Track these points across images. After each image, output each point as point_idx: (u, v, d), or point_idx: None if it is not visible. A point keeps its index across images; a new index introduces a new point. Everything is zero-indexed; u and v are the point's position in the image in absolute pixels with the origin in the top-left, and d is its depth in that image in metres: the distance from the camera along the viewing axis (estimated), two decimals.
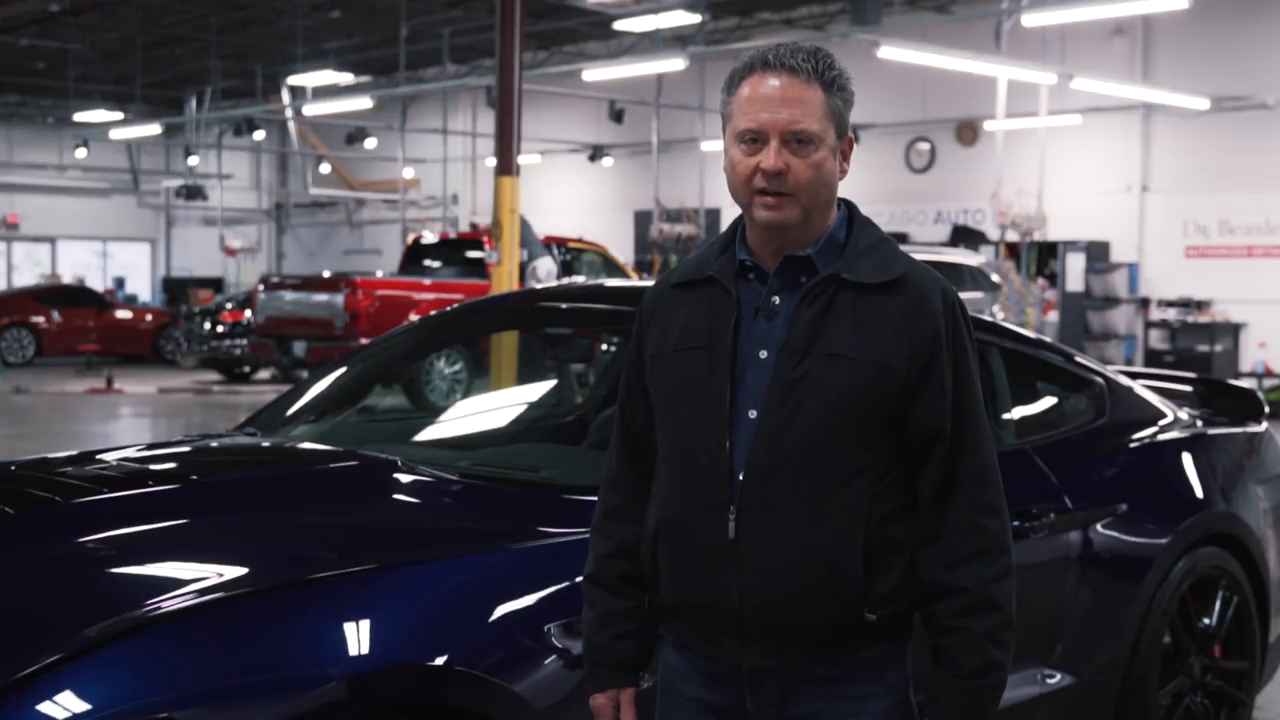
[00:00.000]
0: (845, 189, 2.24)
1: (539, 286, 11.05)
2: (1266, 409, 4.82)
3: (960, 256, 16.39)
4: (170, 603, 2.44)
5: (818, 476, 2.07)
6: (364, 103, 23.61)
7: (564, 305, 4.48)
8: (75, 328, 23.77)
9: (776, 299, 2.13)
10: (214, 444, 3.90)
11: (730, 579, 2.10)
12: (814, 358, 2.07)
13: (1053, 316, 18.02)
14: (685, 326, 2.18)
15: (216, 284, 30.70)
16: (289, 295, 16.43)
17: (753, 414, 2.09)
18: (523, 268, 12.79)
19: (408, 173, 27.96)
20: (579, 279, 15.31)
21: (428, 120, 27.41)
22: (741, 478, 2.09)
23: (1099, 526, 3.86)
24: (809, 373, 2.07)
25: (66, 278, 28.98)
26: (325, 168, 31.82)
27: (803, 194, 2.08)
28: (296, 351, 15.88)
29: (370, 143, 28.04)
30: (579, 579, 2.36)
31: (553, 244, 16.36)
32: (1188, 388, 5.00)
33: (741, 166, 2.10)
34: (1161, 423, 4.39)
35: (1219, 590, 4.18)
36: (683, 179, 23.14)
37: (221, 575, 2.60)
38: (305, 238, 35.24)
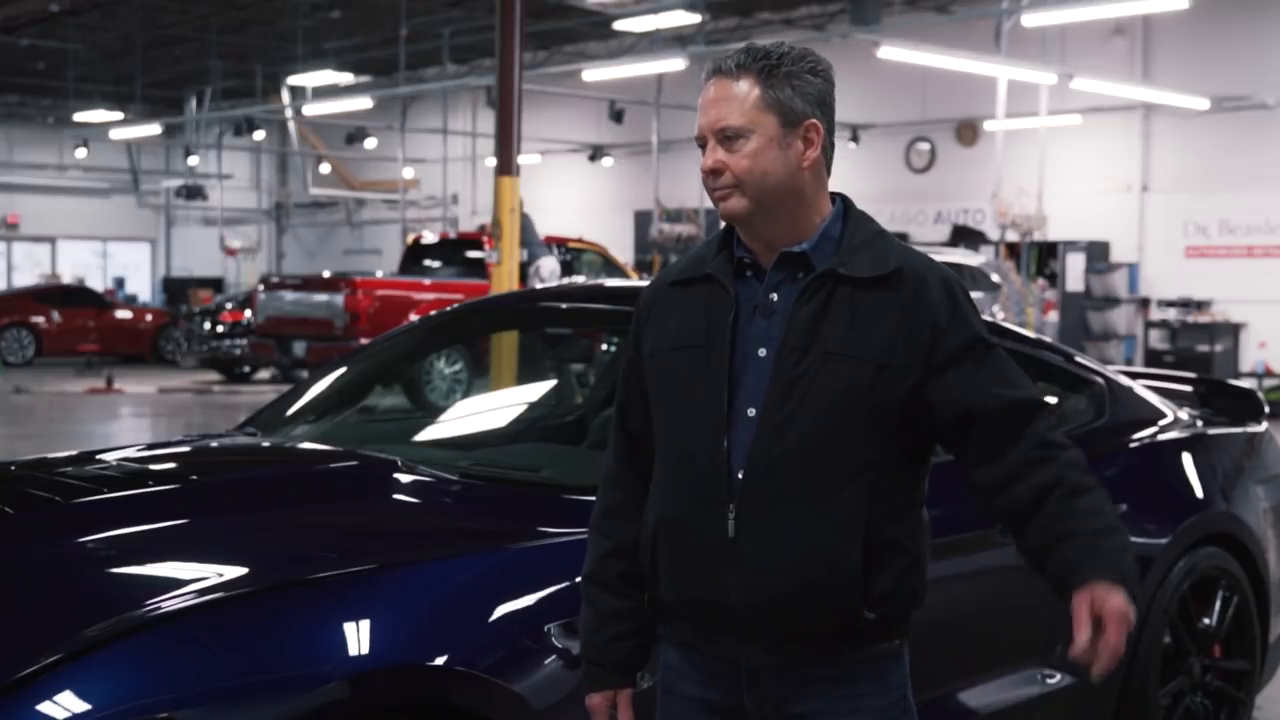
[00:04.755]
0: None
1: (543, 286, 11.03)
2: (1266, 409, 4.82)
3: (960, 256, 16.39)
4: (170, 603, 2.44)
5: (818, 474, 2.08)
6: (364, 103, 23.60)
7: (564, 305, 4.48)
8: (75, 328, 23.76)
9: (774, 296, 2.13)
10: (214, 444, 3.90)
11: (730, 577, 2.10)
12: (814, 356, 2.08)
13: (1053, 316, 18.00)
14: (683, 325, 2.18)
15: (216, 284, 30.68)
16: (289, 295, 16.42)
17: (752, 412, 2.10)
18: (523, 267, 12.76)
19: (408, 173, 27.95)
20: (579, 279, 15.31)
21: (428, 120, 27.40)
22: (741, 476, 2.09)
23: None
24: (809, 371, 2.08)
25: (66, 278, 28.96)
26: (325, 168, 31.82)
27: (744, 185, 2.11)
28: (296, 351, 15.87)
29: (370, 143, 28.02)
30: (579, 579, 2.36)
31: (553, 244, 16.35)
32: (1188, 388, 5.00)
33: (702, 171, 2.16)
34: (1161, 423, 4.39)
35: (1219, 590, 4.18)
36: (683, 179, 23.12)
37: (221, 575, 2.60)
38: (305, 238, 35.23)
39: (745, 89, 2.11)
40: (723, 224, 2.21)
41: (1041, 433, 2.13)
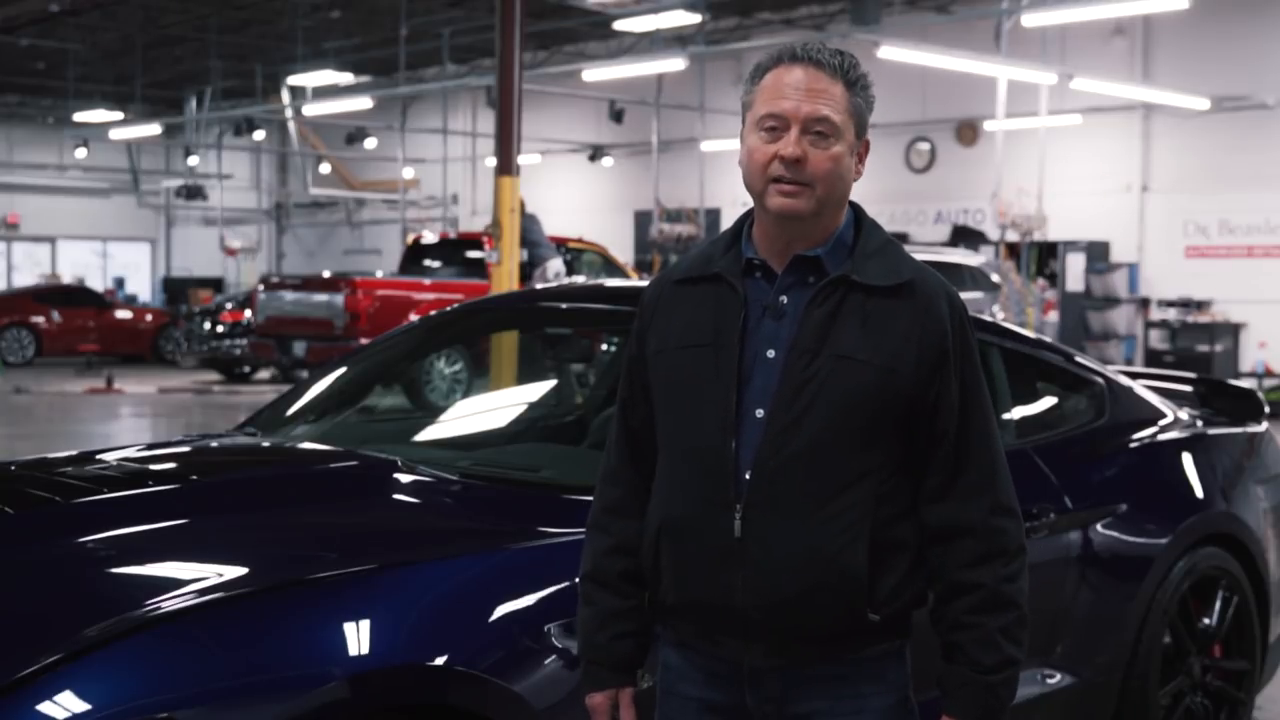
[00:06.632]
0: None
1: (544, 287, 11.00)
2: (1267, 409, 4.82)
3: (960, 256, 16.38)
4: (170, 603, 2.44)
5: (825, 477, 2.08)
6: (364, 103, 23.60)
7: (564, 305, 4.48)
8: (75, 328, 23.76)
9: (784, 298, 2.13)
10: (214, 444, 3.90)
11: (735, 578, 2.10)
12: (824, 359, 2.08)
13: (1053, 316, 18.01)
14: (689, 323, 2.17)
15: (216, 284, 30.69)
16: (289, 295, 16.41)
17: (760, 413, 2.09)
18: (524, 267, 12.74)
19: (408, 173, 27.95)
20: (579, 279, 15.30)
21: (428, 120, 27.41)
22: (748, 477, 2.09)
23: (1099, 526, 3.86)
24: (819, 373, 2.07)
25: (66, 278, 28.97)
26: (325, 168, 31.82)
27: (819, 185, 2.08)
28: (296, 351, 15.87)
29: (370, 143, 28.03)
30: (579, 579, 2.35)
31: (553, 244, 16.35)
32: (1188, 388, 5.00)
33: (759, 154, 2.10)
34: (1161, 423, 4.39)
35: (1219, 590, 4.18)
36: (683, 179, 23.14)
37: (221, 575, 2.60)
38: (305, 238, 35.24)
39: (840, 90, 2.09)
40: (724, 225, 2.20)
41: (1001, 502, 2.15)
